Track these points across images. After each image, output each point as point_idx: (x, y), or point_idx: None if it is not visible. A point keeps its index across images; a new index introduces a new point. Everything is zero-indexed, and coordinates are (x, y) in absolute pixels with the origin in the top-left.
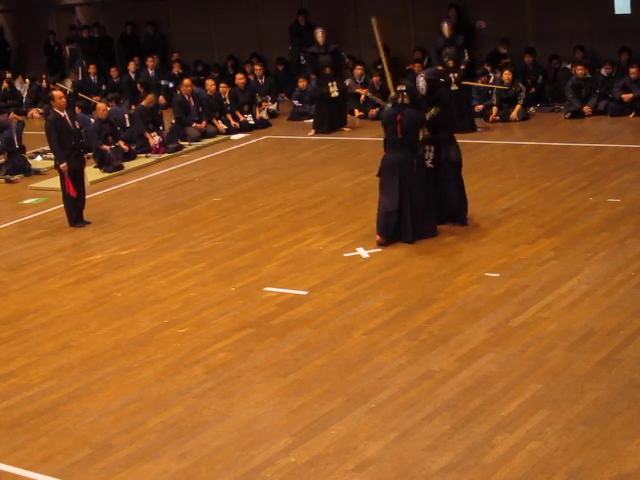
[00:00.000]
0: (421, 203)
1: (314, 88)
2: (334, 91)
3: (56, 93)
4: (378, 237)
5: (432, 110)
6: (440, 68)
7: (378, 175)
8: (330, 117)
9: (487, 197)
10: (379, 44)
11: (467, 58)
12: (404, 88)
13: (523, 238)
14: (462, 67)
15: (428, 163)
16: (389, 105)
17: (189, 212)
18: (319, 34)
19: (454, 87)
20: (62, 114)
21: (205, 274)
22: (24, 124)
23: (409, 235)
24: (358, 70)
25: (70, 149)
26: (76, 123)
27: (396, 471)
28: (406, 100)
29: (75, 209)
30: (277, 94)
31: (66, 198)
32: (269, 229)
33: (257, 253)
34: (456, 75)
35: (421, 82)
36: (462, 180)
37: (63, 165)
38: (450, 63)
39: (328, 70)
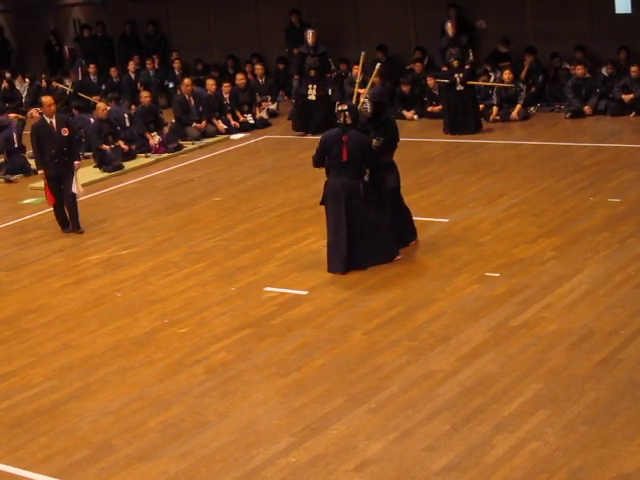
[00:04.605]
0: (372, 227)
1: (296, 88)
2: (312, 94)
3: (45, 100)
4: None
5: (375, 141)
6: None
7: (321, 203)
8: (308, 119)
9: (487, 197)
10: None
11: (471, 58)
12: (345, 108)
13: (523, 238)
14: (467, 67)
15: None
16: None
17: (189, 212)
18: (309, 35)
19: (459, 87)
20: (49, 120)
21: (205, 274)
22: (25, 122)
23: (363, 261)
24: (355, 70)
25: (50, 156)
26: (63, 129)
27: (396, 471)
28: (348, 120)
29: (57, 217)
30: (277, 94)
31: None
32: (269, 229)
33: (257, 253)
34: (461, 75)
35: (366, 104)
36: (402, 209)
37: (40, 172)
38: (455, 63)
39: (313, 72)
